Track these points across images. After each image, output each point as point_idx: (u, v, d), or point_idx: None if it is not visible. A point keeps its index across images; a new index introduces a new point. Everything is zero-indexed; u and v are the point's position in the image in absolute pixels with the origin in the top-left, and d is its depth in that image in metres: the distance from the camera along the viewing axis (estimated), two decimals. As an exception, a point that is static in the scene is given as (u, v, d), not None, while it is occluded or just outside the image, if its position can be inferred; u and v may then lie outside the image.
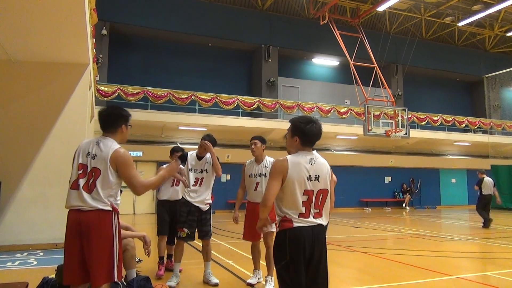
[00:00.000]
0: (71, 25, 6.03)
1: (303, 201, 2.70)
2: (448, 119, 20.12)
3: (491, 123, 21.45)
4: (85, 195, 2.93)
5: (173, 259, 5.18)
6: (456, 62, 23.00)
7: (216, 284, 4.88)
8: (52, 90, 7.83)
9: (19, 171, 7.43)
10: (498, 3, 16.53)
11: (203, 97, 15.97)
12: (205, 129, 15.28)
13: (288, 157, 2.78)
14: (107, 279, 2.89)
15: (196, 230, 4.96)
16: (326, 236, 2.90)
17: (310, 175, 2.73)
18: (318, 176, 2.75)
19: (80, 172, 2.99)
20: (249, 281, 4.90)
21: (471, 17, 18.14)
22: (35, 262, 6.15)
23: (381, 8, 16.71)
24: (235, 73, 19.96)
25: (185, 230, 4.83)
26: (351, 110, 18.24)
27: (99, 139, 3.07)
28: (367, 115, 14.79)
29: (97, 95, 13.86)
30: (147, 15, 17.21)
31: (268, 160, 4.91)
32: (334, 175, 3.59)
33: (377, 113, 15.93)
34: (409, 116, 16.78)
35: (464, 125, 20.54)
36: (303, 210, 2.70)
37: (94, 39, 9.13)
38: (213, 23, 18.26)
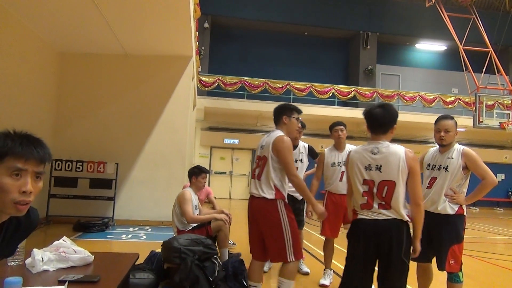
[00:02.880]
0: (178, 20, 6.49)
1: (363, 191, 2.64)
2: None
3: None
4: (257, 184, 3.24)
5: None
6: None
7: (307, 273, 4.89)
8: (160, 81, 8.53)
9: (132, 155, 8.29)
10: None
11: (297, 86, 15.98)
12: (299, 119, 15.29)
13: (353, 147, 2.80)
14: (281, 259, 3.17)
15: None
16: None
17: (369, 165, 2.63)
18: (380, 166, 2.60)
19: (256, 162, 3.36)
20: (322, 282, 4.45)
21: None
22: (144, 237, 6.84)
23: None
24: (331, 62, 19.54)
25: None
26: (459, 99, 16.68)
27: (270, 133, 3.36)
28: (478, 105, 13.37)
29: (199, 85, 14.72)
30: (246, 7, 17.69)
31: (350, 147, 4.48)
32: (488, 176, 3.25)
33: (490, 102, 14.33)
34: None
35: None
36: (364, 200, 2.63)
37: (197, 32, 9.69)
38: (309, 12, 18.07)
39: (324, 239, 4.71)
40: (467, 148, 3.36)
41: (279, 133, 3.28)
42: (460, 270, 3.33)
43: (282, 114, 3.38)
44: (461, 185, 3.35)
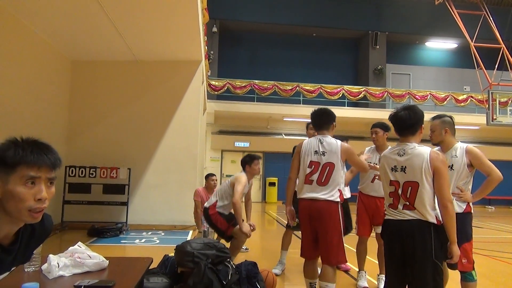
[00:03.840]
0: (186, 26, 6.54)
1: (390, 192, 2.71)
2: None
3: None
4: (319, 188, 3.33)
5: (280, 247, 5.26)
6: None
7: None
8: (170, 86, 8.60)
9: (145, 160, 8.36)
10: None
11: (307, 87, 15.95)
12: (309, 120, 15.28)
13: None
14: (334, 260, 3.27)
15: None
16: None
17: (395, 166, 2.69)
18: (405, 167, 2.64)
19: (311, 167, 3.39)
20: (360, 284, 4.37)
21: None
22: (157, 241, 6.87)
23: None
24: (341, 63, 19.48)
25: (296, 220, 4.82)
26: (472, 97, 16.47)
27: (320, 138, 3.45)
28: (491, 102, 13.19)
29: (208, 89, 14.79)
30: (254, 10, 17.75)
31: None
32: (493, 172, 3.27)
33: (503, 99, 14.10)
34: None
35: None
36: (391, 201, 2.70)
37: (205, 37, 9.75)
38: (317, 13, 18.05)
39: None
40: (471, 145, 3.35)
41: (337, 139, 3.44)
42: (473, 268, 3.29)
43: (332, 121, 3.55)
44: (467, 182, 3.33)
